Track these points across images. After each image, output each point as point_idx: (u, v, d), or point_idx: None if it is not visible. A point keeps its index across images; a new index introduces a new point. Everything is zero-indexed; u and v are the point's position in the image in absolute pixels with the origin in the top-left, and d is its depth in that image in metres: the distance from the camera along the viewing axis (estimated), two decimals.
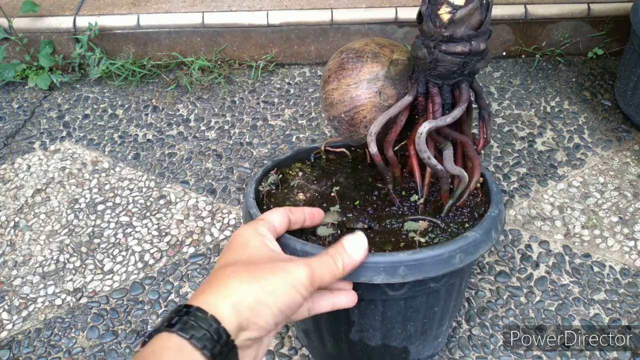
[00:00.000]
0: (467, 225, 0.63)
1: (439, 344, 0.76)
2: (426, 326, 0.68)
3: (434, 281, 0.61)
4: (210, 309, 0.41)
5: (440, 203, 0.66)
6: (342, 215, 0.66)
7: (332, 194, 0.66)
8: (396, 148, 0.68)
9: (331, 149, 0.77)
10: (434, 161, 0.62)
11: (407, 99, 0.63)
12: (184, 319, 0.40)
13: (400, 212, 0.66)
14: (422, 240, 0.61)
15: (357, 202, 0.68)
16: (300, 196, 0.70)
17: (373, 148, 0.64)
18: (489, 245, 0.60)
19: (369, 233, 0.63)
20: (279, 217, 0.54)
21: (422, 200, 0.65)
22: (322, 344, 0.73)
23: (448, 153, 0.63)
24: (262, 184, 0.70)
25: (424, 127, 0.60)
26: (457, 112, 0.61)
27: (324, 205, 0.67)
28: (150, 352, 0.39)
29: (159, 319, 0.89)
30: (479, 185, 0.68)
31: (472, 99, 0.66)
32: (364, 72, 0.66)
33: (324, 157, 0.77)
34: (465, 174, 0.63)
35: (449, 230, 0.63)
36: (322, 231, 0.59)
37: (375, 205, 0.67)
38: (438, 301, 0.65)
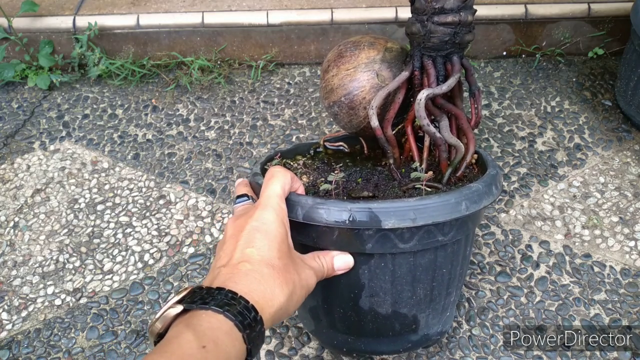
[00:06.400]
0: None
1: (447, 320, 0.76)
2: (435, 291, 0.68)
3: (441, 234, 0.62)
4: (260, 309, 0.46)
5: (440, 176, 0.68)
6: (345, 180, 0.70)
7: (336, 171, 0.68)
8: (394, 132, 0.71)
9: (329, 144, 0.78)
10: (432, 128, 0.66)
11: (405, 74, 0.69)
12: (238, 309, 0.44)
13: (401, 185, 0.69)
14: (428, 189, 0.65)
15: (359, 180, 0.71)
16: (304, 179, 0.72)
17: (374, 121, 0.68)
18: (491, 198, 0.63)
19: (374, 200, 0.66)
20: (288, 187, 0.58)
21: (423, 166, 0.69)
22: (330, 322, 0.73)
23: (444, 124, 0.68)
24: (268, 164, 0.73)
25: (423, 94, 0.65)
26: (451, 81, 0.67)
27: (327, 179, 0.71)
28: (208, 328, 0.42)
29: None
30: (474, 161, 0.71)
31: (462, 77, 0.71)
32: (362, 57, 0.70)
33: (322, 151, 0.79)
34: (461, 144, 0.67)
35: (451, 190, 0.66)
36: (325, 187, 0.65)
37: (377, 182, 0.71)
38: (445, 261, 0.66)
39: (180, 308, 0.44)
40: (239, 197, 0.62)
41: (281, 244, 0.51)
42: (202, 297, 0.44)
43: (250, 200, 0.61)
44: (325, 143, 0.79)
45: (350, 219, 0.58)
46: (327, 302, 0.70)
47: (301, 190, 0.62)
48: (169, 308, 0.44)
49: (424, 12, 0.65)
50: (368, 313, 0.68)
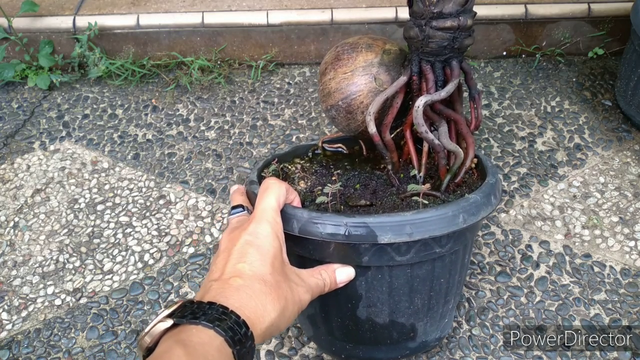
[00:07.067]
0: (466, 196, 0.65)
1: (446, 326, 0.76)
2: (433, 300, 0.68)
3: (439, 245, 0.62)
4: (251, 325, 0.46)
5: (439, 181, 0.68)
6: (343, 186, 0.69)
7: (334, 177, 0.67)
8: (392, 136, 0.70)
9: (328, 146, 0.78)
10: (431, 135, 0.65)
11: (403, 79, 0.67)
12: (228, 324, 0.44)
13: (400, 192, 0.68)
14: (426, 202, 0.64)
15: (357, 185, 0.70)
16: (302, 184, 0.71)
17: (372, 128, 0.67)
18: (489, 209, 0.62)
19: (372, 209, 0.65)
20: (283, 198, 0.58)
21: (421, 174, 0.68)
22: (329, 330, 0.73)
23: (443, 129, 0.66)
24: (265, 170, 0.72)
25: (421, 101, 0.64)
26: (450, 87, 0.65)
27: (325, 186, 0.70)
28: (199, 343, 0.42)
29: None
30: (473, 165, 0.70)
31: (462, 79, 0.69)
32: (359, 60, 0.69)
33: (321, 153, 0.78)
34: (460, 150, 0.66)
35: (449, 201, 0.65)
36: (321, 199, 0.64)
37: (375, 188, 0.70)
38: (443, 272, 0.66)
39: (170, 322, 0.43)
40: (234, 207, 0.61)
41: (274, 259, 0.51)
42: (192, 312, 0.44)
43: (246, 212, 0.61)
44: (324, 144, 0.78)
45: (346, 234, 0.58)
46: (325, 311, 0.70)
47: (297, 201, 0.62)
48: (158, 322, 0.43)
49: (422, 16, 0.64)
50: (365, 322, 0.68)
